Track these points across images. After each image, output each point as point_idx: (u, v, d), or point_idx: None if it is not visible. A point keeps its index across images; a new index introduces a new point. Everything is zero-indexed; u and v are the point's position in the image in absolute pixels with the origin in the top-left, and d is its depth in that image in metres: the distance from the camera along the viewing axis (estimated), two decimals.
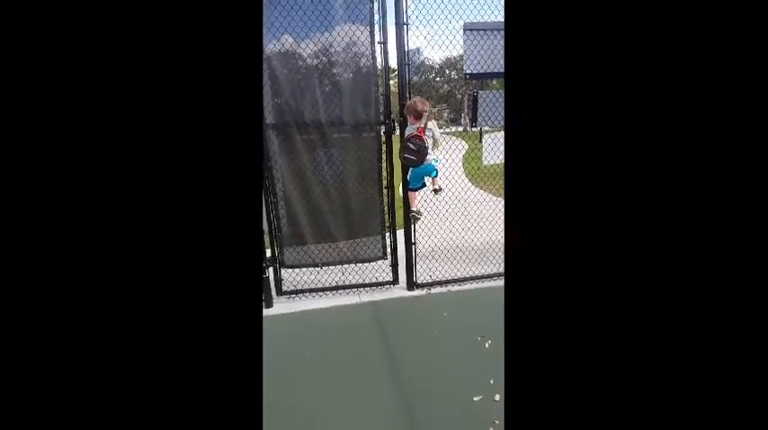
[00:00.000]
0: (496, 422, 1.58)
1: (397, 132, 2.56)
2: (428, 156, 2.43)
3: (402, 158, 2.44)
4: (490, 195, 5.00)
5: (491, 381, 1.80)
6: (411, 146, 2.36)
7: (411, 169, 2.49)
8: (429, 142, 2.42)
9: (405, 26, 2.40)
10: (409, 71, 2.49)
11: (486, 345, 2.08)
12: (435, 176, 2.54)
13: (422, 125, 2.37)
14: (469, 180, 5.93)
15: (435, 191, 2.58)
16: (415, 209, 2.62)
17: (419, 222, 2.73)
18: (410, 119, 2.42)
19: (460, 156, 4.87)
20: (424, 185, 2.59)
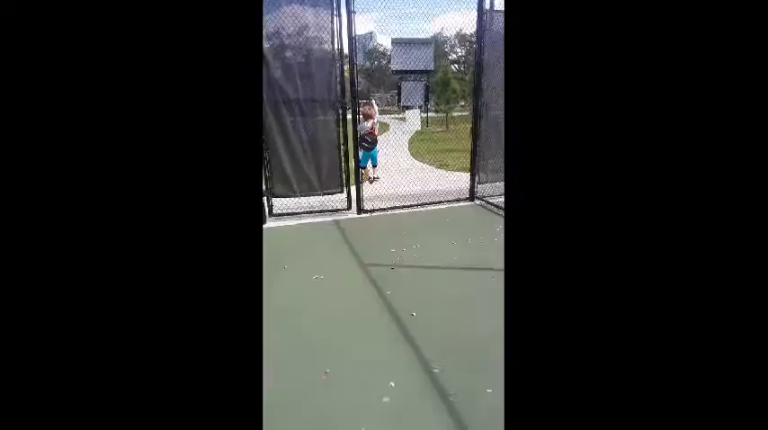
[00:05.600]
0: None
1: (349, 116, 3.88)
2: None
3: (360, 145, 4.06)
4: (427, 165, 6.54)
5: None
6: (368, 139, 4.17)
7: (362, 152, 4.12)
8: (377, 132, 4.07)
9: (352, 14, 3.21)
10: (357, 57, 3.61)
11: (400, 258, 3.51)
12: (375, 166, 4.19)
13: (375, 124, 3.98)
14: (411, 155, 7.66)
15: (371, 180, 4.28)
16: (375, 175, 4.17)
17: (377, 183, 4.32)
18: (361, 118, 3.97)
19: (407, 138, 6.72)
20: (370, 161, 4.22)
